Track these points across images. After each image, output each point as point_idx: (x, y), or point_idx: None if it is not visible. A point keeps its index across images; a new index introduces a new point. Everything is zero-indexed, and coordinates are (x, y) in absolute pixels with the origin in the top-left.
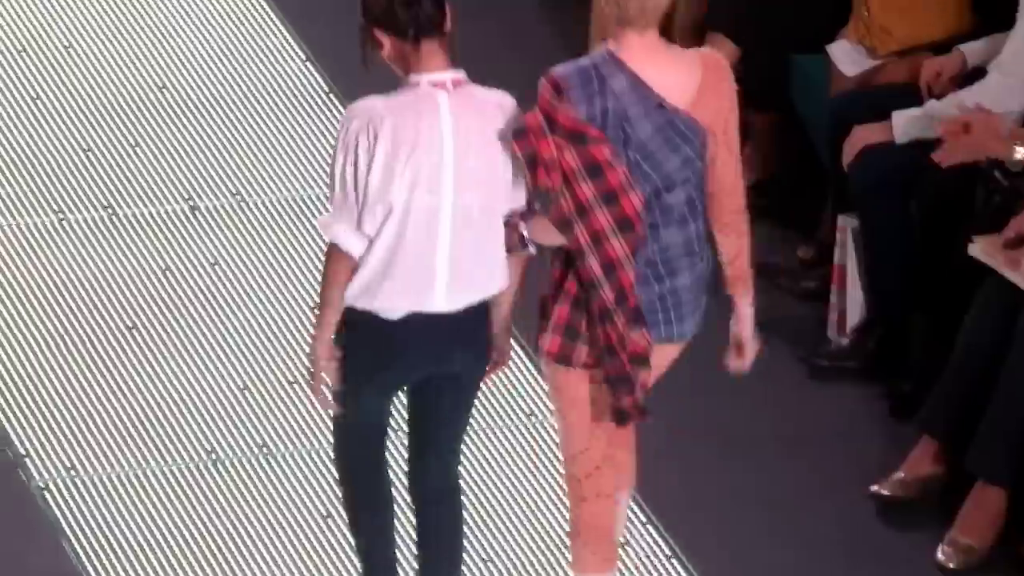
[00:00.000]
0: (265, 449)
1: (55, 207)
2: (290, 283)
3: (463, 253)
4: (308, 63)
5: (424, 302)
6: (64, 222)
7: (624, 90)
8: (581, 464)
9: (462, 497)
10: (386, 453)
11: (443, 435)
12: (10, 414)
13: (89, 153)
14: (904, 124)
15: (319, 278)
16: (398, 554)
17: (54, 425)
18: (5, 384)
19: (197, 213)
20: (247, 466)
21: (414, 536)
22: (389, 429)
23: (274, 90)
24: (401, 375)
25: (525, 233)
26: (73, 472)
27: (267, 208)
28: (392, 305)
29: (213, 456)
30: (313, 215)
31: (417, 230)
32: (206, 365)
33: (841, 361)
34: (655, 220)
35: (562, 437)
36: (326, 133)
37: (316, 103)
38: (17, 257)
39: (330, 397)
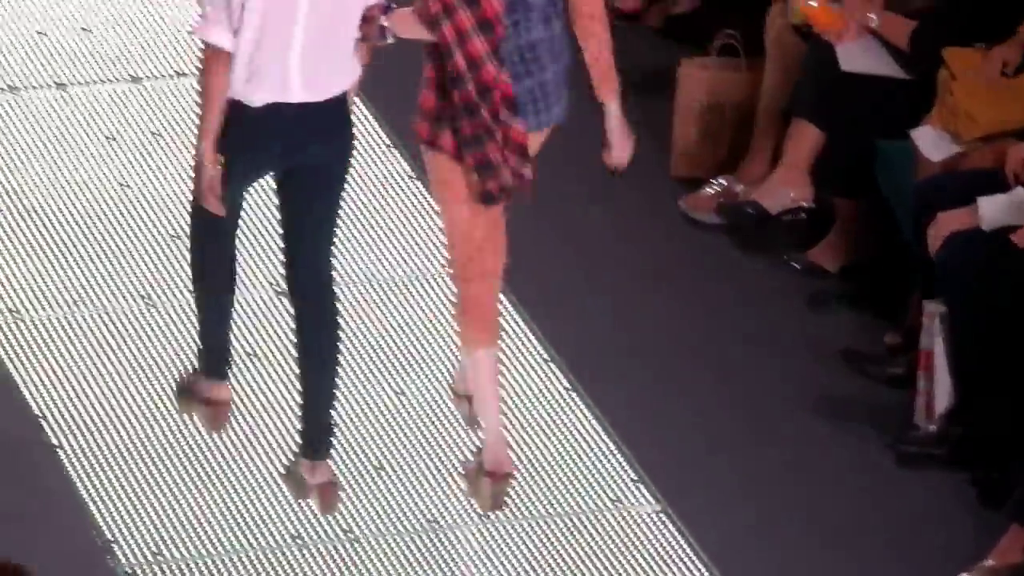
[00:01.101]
0: (350, 534)
1: None
2: None
3: (317, 47)
4: None
5: (280, 93)
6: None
7: None
8: (462, 247)
9: (335, 291)
10: (235, 240)
11: (308, 228)
12: (97, 499)
13: None
14: (990, 210)
15: None
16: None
17: (140, 510)
18: (93, 469)
19: None
20: (332, 551)
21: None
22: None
23: None
24: (259, 163)
25: (385, 25)
26: (160, 557)
27: None
28: (253, 95)
29: (298, 541)
30: None
31: (276, 24)
32: (287, 446)
33: (929, 448)
34: (519, 19)
35: (444, 222)
36: None
37: None
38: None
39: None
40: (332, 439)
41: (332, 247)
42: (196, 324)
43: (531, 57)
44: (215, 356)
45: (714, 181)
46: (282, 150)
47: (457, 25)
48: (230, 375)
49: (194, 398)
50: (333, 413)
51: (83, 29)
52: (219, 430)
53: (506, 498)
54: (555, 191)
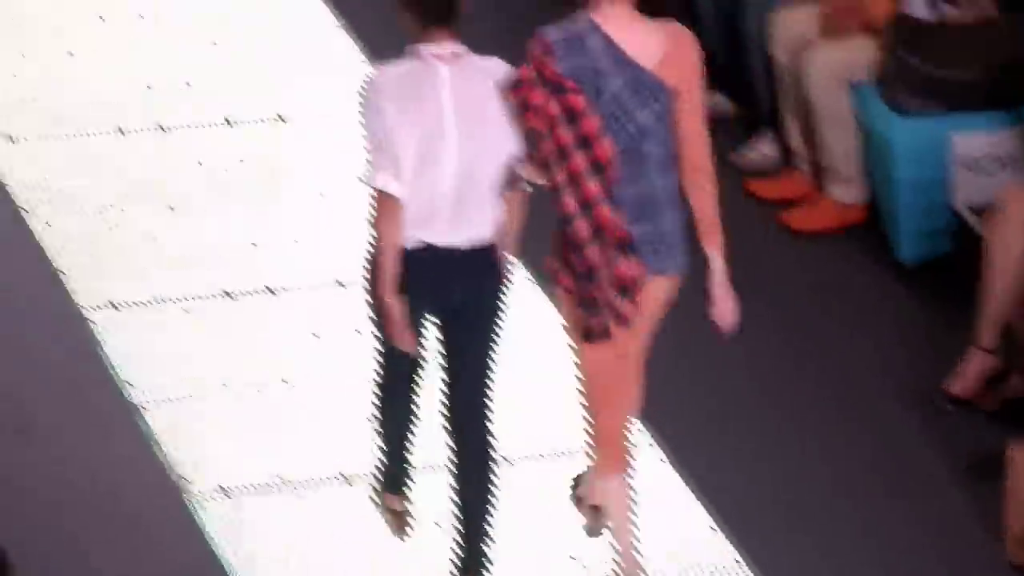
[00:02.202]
0: None
1: None
2: None
3: (463, 193)
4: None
5: (430, 234)
6: None
7: (598, 49)
8: (591, 382)
9: (488, 426)
10: (416, 376)
11: (461, 364)
12: None
13: None
14: None
15: None
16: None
17: None
18: None
19: None
20: None
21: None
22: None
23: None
24: (417, 302)
25: (521, 173)
26: None
27: None
28: (408, 235)
29: None
30: None
31: (428, 176)
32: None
33: None
34: (636, 167)
35: (577, 356)
36: None
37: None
38: None
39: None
40: (486, 565)
41: (487, 382)
42: (377, 445)
43: (648, 204)
44: (393, 473)
45: None
46: (433, 290)
47: (570, 167)
48: (409, 487)
49: (379, 505)
50: (488, 540)
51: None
52: (401, 537)
53: None
54: None
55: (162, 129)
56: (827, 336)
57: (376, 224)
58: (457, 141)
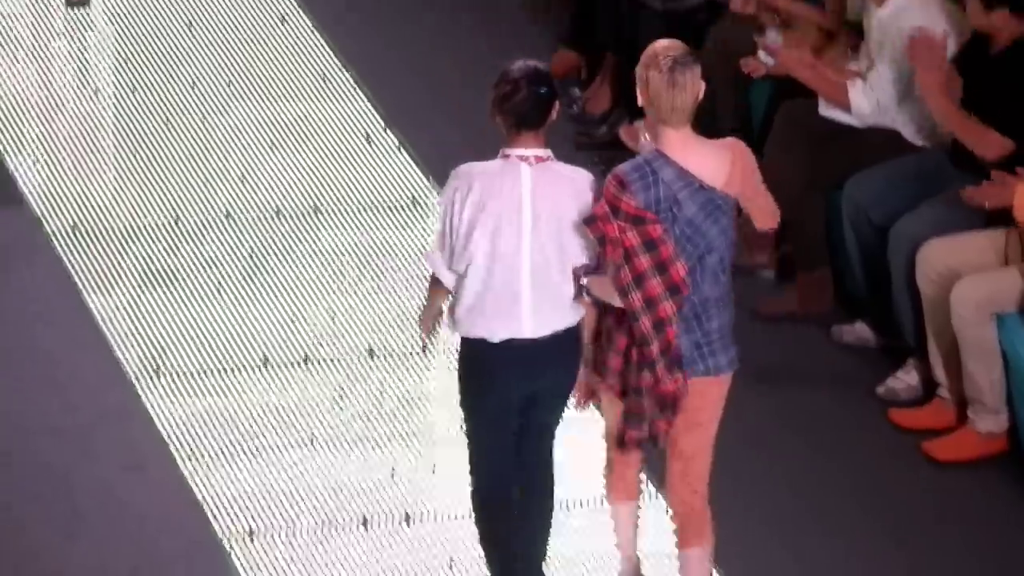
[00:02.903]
0: None
1: None
2: None
3: (540, 289)
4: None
5: (514, 329)
6: None
7: (672, 178)
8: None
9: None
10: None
11: (537, 438)
12: None
13: None
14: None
15: None
16: None
17: None
18: None
19: None
20: None
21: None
22: None
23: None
24: (502, 395)
25: (584, 284)
26: None
27: None
28: (490, 332)
29: None
30: None
31: (503, 271)
32: None
33: None
34: (697, 278)
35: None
36: None
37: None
38: None
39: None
40: None
41: (553, 446)
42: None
43: (703, 309)
44: None
45: None
46: (519, 380)
47: (647, 291)
48: None
49: None
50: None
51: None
52: None
53: None
54: None
55: None
56: (974, 568)
57: (428, 292)
58: (531, 238)
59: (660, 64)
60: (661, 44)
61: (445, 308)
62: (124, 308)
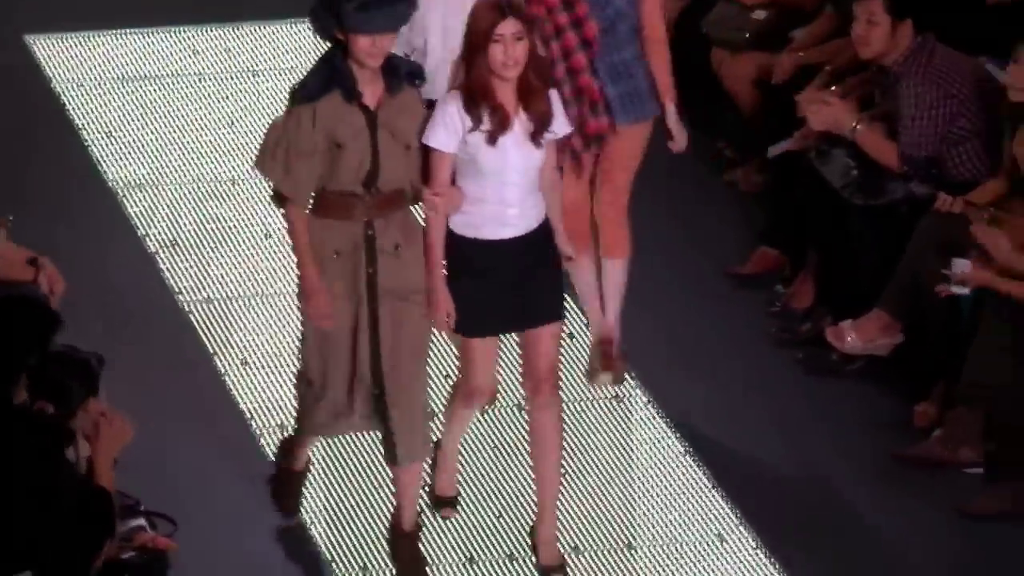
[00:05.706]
0: None
1: None
2: None
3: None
4: None
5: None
6: None
7: None
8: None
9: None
10: None
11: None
12: None
13: None
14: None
15: None
16: None
17: None
18: None
19: None
20: None
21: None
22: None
23: None
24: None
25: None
26: None
27: None
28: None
29: None
30: None
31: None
32: None
33: None
34: (614, 40)
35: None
36: None
37: None
38: None
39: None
40: None
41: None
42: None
43: (623, 67)
44: None
45: None
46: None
47: (564, 43)
48: None
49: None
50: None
51: None
52: None
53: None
54: None
55: None
56: None
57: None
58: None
59: None
60: None
61: None
62: None
